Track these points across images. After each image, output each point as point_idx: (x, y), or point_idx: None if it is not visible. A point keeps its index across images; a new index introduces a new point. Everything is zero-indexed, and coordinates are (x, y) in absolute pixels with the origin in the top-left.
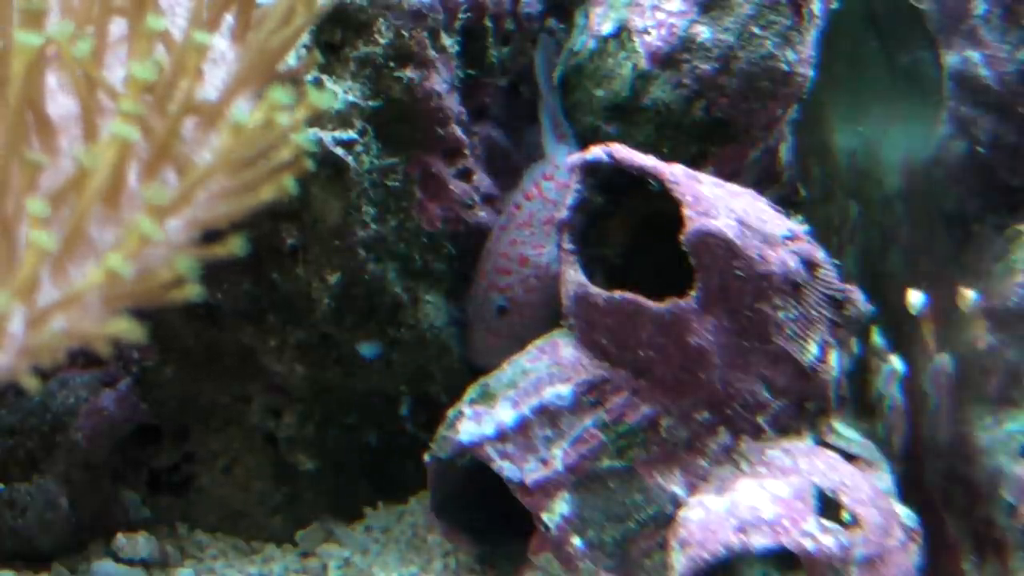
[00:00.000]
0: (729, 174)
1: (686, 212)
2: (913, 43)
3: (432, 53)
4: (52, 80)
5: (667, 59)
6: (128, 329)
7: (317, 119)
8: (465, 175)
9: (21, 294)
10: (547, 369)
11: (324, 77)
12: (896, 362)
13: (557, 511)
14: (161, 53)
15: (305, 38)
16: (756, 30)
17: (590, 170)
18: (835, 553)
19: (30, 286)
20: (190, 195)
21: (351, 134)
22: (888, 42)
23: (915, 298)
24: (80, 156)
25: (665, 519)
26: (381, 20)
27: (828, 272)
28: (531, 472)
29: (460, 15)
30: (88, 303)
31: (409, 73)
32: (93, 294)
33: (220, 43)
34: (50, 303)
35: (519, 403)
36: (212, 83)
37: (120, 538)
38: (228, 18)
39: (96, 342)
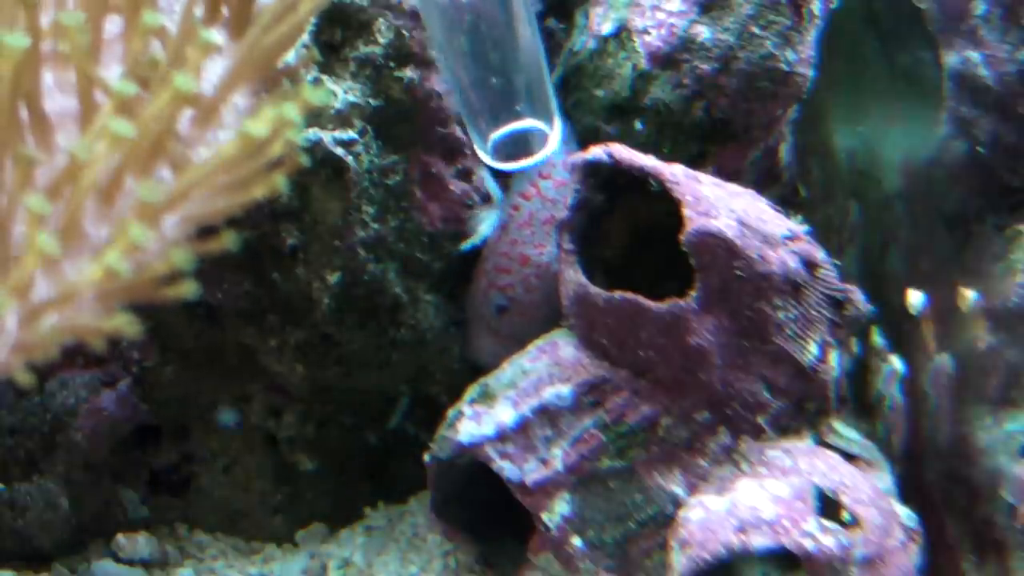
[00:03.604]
0: (729, 174)
1: (686, 212)
2: (913, 43)
3: (432, 53)
4: (48, 78)
5: (667, 59)
6: (124, 324)
7: (317, 119)
8: (465, 175)
9: (16, 293)
10: (547, 369)
11: (324, 77)
12: (896, 362)
13: (557, 511)
14: (158, 49)
15: (304, 37)
16: (756, 30)
17: (590, 170)
18: (835, 553)
19: (25, 285)
20: (186, 195)
21: (351, 134)
22: (888, 42)
23: (915, 298)
24: (74, 150)
25: (665, 519)
26: (381, 20)
27: (828, 272)
28: (531, 472)
29: None
30: (83, 299)
31: (409, 73)
32: (88, 290)
33: (217, 38)
34: (45, 300)
35: (519, 403)
36: (208, 79)
37: (120, 538)
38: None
39: (91, 338)
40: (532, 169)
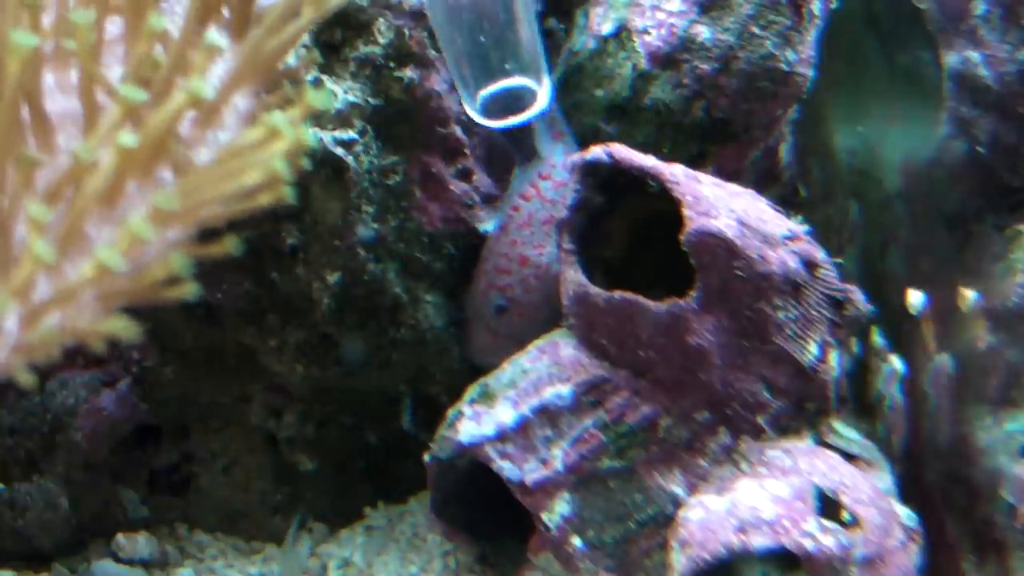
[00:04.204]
0: (729, 174)
1: (686, 212)
2: (913, 43)
3: (432, 53)
4: (49, 79)
5: (667, 59)
6: (124, 327)
7: (317, 119)
8: (465, 175)
9: (17, 296)
10: (547, 369)
11: (324, 77)
12: (896, 362)
13: (557, 511)
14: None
15: (304, 38)
16: (756, 30)
17: (590, 170)
18: (835, 553)
19: (26, 288)
20: (198, 211)
21: (351, 134)
22: (888, 42)
23: (915, 298)
24: (78, 151)
25: (665, 519)
26: (381, 20)
27: (828, 272)
28: (531, 472)
29: None
30: (83, 300)
31: (409, 73)
32: (87, 291)
33: (218, 39)
34: (45, 300)
35: (519, 403)
36: (210, 80)
37: (120, 538)
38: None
39: (91, 339)
40: (532, 172)
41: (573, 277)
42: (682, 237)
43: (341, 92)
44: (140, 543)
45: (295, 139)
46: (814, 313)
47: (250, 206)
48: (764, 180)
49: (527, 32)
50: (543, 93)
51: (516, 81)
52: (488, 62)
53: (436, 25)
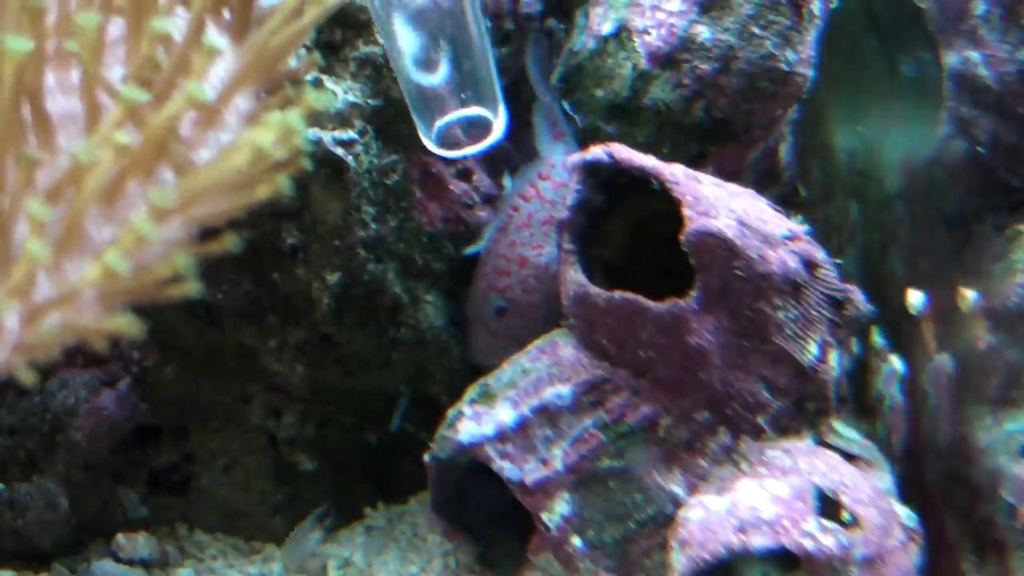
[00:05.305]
0: (729, 174)
1: (686, 212)
2: (913, 43)
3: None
4: (50, 79)
5: (667, 59)
6: (126, 324)
7: (317, 119)
8: (465, 175)
9: (17, 293)
10: (547, 369)
11: (324, 77)
12: (896, 362)
13: (557, 511)
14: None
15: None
16: (756, 30)
17: (590, 170)
18: (835, 553)
19: (25, 287)
20: (193, 201)
21: (351, 134)
22: (888, 42)
23: (915, 298)
24: (78, 152)
25: (665, 519)
26: None
27: (828, 272)
28: (531, 472)
29: None
30: (84, 299)
31: None
32: (90, 291)
33: (219, 40)
34: (46, 300)
35: (519, 403)
36: (210, 81)
37: (120, 538)
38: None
39: (93, 338)
40: (532, 172)
41: (573, 277)
42: (682, 237)
43: (341, 92)
44: (140, 543)
45: (283, 124)
46: (814, 313)
47: (248, 199)
48: (764, 180)
49: (483, 61)
50: (499, 123)
51: (473, 111)
52: (444, 92)
53: (391, 52)
